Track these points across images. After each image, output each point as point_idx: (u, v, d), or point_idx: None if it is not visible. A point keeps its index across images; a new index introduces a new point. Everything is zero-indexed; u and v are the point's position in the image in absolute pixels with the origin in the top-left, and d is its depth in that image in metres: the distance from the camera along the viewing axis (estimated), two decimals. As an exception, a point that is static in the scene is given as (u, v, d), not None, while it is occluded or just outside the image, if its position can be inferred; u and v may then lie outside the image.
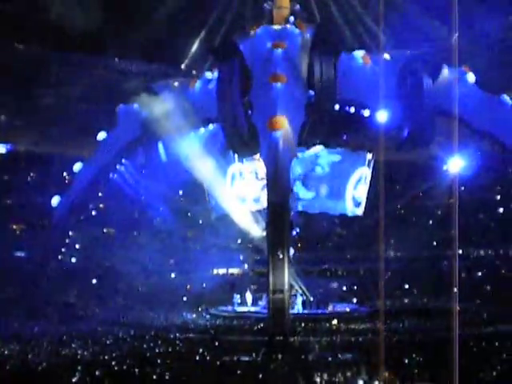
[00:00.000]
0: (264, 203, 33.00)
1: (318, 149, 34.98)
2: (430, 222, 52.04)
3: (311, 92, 31.07)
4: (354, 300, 41.69)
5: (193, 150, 34.12)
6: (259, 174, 35.57)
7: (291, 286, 34.52)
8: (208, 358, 22.64)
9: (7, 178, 51.11)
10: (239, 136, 31.83)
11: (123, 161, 36.41)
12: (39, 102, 52.74)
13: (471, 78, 32.70)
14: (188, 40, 43.96)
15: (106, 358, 22.46)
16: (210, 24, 40.34)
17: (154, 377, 19.15)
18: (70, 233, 38.70)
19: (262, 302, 37.22)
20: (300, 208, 36.15)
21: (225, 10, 39.09)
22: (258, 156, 33.41)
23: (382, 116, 30.16)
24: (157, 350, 24.39)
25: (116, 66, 54.41)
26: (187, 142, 33.92)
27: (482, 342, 24.17)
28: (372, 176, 35.74)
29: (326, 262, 51.51)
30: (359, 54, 32.29)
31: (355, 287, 47.45)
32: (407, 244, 49.57)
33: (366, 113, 31.78)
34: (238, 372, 19.91)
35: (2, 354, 23.99)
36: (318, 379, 19.14)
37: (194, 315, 38.43)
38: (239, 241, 47.14)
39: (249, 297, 39.90)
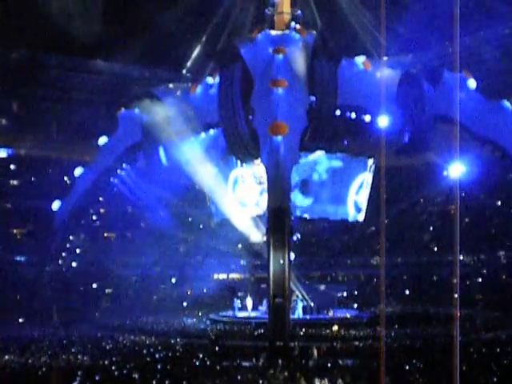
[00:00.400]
0: (264, 208, 32.99)
1: (317, 155, 34.99)
2: (431, 227, 52.09)
3: (312, 97, 31.09)
4: (355, 306, 41.63)
5: (193, 155, 34.12)
6: (260, 179, 35.55)
7: (292, 292, 34.51)
8: (208, 363, 22.61)
9: (8, 182, 51.15)
10: (240, 141, 31.84)
11: (124, 165, 36.43)
12: (40, 107, 52.86)
13: (472, 83, 32.73)
14: (189, 45, 44.07)
15: (106, 362, 22.43)
16: (212, 29, 40.41)
17: (154, 382, 19.10)
18: (71, 237, 38.63)
19: (263, 308, 37.18)
20: (299, 213, 36.13)
21: (226, 16, 39.15)
22: (258, 161, 33.41)
23: (383, 121, 30.14)
24: (157, 355, 24.35)
25: (117, 71, 54.50)
26: (188, 146, 33.92)
27: (481, 348, 24.10)
28: (373, 181, 35.75)
29: (327, 268, 51.52)
30: (360, 59, 32.31)
31: (356, 293, 47.43)
32: (407, 250, 49.58)
33: (367, 118, 31.78)
34: (238, 377, 19.87)
35: (2, 359, 23.97)
36: (318, 385, 19.10)
37: (195, 320, 38.38)
38: (240, 246, 47.16)
39: (249, 302, 39.84)
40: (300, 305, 37.02)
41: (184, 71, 46.05)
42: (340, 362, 22.62)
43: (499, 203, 50.36)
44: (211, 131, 33.88)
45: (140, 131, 35.02)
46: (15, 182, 51.84)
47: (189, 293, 45.91)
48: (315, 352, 24.52)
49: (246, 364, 22.55)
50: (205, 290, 46.50)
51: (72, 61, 53.29)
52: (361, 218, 37.83)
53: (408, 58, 34.20)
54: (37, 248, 41.71)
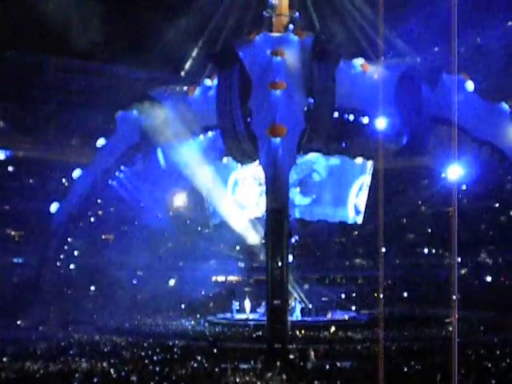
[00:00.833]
0: (262, 209, 32.96)
1: (314, 154, 34.99)
2: (429, 229, 52.08)
3: (310, 99, 31.13)
4: (353, 307, 41.59)
5: (192, 157, 34.12)
6: (260, 180, 35.51)
7: (290, 294, 34.48)
8: (206, 365, 22.56)
9: (6, 184, 51.05)
10: (238, 143, 31.85)
11: (122, 167, 36.44)
12: (38, 109, 52.85)
13: (470, 85, 32.77)
14: (188, 47, 44.09)
15: (105, 365, 22.38)
16: (210, 31, 40.45)
17: (152, 384, 19.09)
18: (69, 239, 38.59)
19: (261, 310, 37.13)
20: (297, 215, 36.12)
21: (224, 18, 39.20)
22: (257, 163, 33.39)
23: (381, 123, 30.14)
24: (155, 358, 24.30)
25: (115, 73, 54.51)
26: (186, 148, 33.92)
27: (480, 350, 24.09)
28: (371, 184, 35.77)
29: (325, 270, 51.48)
30: (358, 61, 32.37)
31: (354, 295, 47.40)
32: (406, 251, 49.59)
33: (365, 120, 31.83)
34: (237, 379, 19.85)
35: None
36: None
37: (193, 322, 38.31)
38: (238, 248, 47.11)
39: (247, 304, 39.78)
40: (298, 307, 36.96)
41: (182, 73, 46.10)
42: (338, 364, 22.58)
43: (497, 205, 50.40)
44: (209, 133, 33.91)
45: (138, 133, 35.07)
46: (13, 184, 51.75)
47: (187, 295, 45.67)
48: (313, 354, 24.48)
49: (244, 366, 22.49)
50: (203, 292, 46.38)
51: (70, 63, 53.33)
52: (359, 220, 37.90)
53: (406, 60, 34.22)
54: (34, 250, 41.65)
